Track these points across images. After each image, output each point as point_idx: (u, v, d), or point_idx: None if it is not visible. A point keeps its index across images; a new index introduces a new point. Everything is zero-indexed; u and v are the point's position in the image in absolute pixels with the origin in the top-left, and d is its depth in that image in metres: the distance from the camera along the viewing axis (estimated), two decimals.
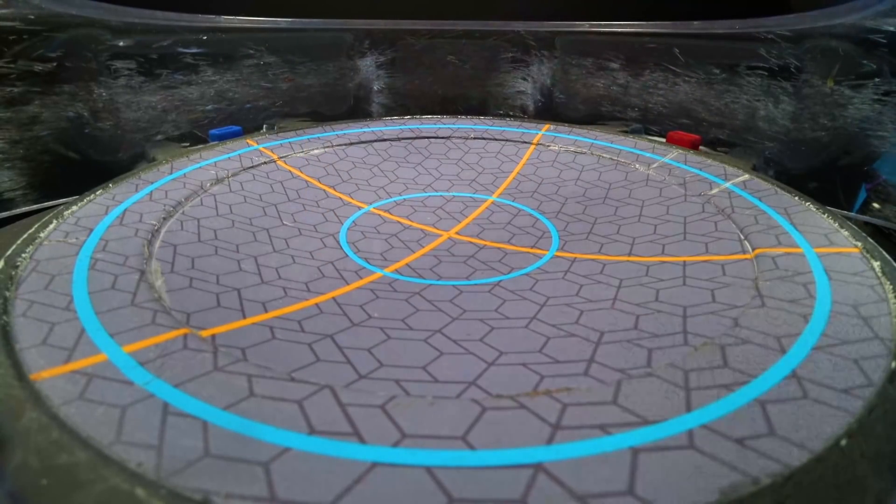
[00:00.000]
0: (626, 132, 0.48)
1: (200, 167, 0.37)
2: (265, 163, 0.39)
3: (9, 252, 0.25)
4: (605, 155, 0.41)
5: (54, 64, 0.43)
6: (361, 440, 0.15)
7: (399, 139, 0.46)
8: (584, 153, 0.42)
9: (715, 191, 0.34)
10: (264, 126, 0.51)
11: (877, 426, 0.16)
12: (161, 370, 0.18)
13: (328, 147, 0.43)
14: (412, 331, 0.23)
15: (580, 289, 0.26)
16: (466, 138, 0.46)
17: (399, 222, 0.34)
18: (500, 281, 0.27)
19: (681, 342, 0.21)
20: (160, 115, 0.50)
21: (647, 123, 0.53)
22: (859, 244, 0.27)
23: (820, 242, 0.27)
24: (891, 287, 0.23)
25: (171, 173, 0.35)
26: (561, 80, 0.57)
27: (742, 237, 0.29)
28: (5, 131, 0.41)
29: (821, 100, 0.44)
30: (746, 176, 0.36)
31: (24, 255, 0.25)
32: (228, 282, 0.25)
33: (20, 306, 0.21)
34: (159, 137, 0.49)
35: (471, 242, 0.31)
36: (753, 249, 0.27)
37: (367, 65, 0.57)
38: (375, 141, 0.45)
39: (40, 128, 0.43)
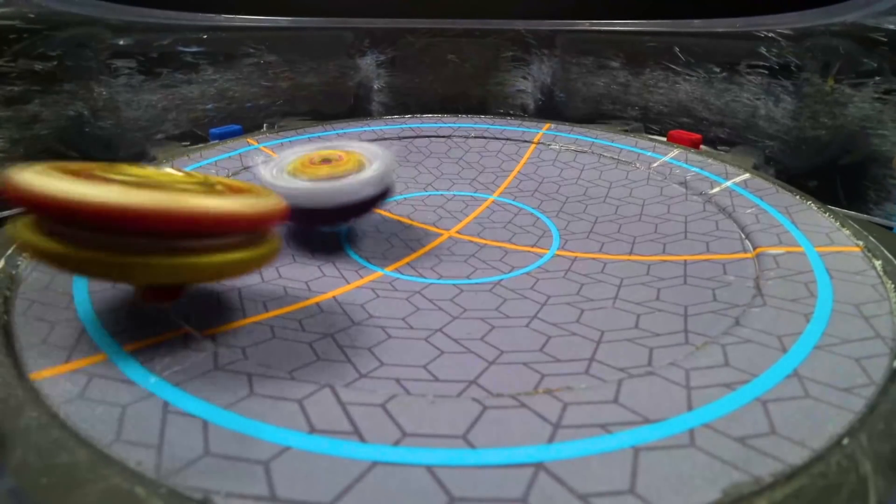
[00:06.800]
0: (626, 131, 0.48)
1: (201, 166, 0.36)
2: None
3: (9, 252, 0.25)
4: (605, 154, 0.41)
5: (55, 62, 0.43)
6: (362, 439, 0.15)
7: (399, 138, 0.46)
8: (585, 152, 0.42)
9: (716, 190, 0.34)
10: (265, 125, 0.51)
11: (878, 425, 0.16)
12: (161, 369, 0.18)
13: None
14: (413, 330, 0.22)
15: (581, 288, 0.26)
16: (467, 137, 0.46)
17: (400, 221, 0.34)
18: (501, 280, 0.27)
19: (682, 341, 0.21)
20: (160, 114, 0.50)
21: (648, 122, 0.53)
22: (861, 243, 0.26)
23: (821, 241, 0.27)
24: (892, 286, 0.23)
25: None
26: (561, 78, 0.56)
27: (743, 236, 0.29)
28: (6, 130, 0.41)
29: (821, 98, 0.44)
30: (747, 175, 0.36)
31: (24, 255, 0.25)
32: (229, 281, 0.25)
33: (21, 305, 0.21)
34: (160, 136, 0.49)
35: (471, 241, 0.31)
36: (755, 248, 0.27)
37: (368, 64, 0.57)
38: (376, 140, 0.45)
39: (41, 126, 0.43)
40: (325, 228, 0.31)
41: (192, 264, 0.17)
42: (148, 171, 0.18)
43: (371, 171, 0.27)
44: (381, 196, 0.28)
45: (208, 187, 0.18)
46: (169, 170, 0.19)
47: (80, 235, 0.16)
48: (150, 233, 0.16)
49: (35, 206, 0.16)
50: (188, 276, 0.18)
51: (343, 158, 0.28)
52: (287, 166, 0.27)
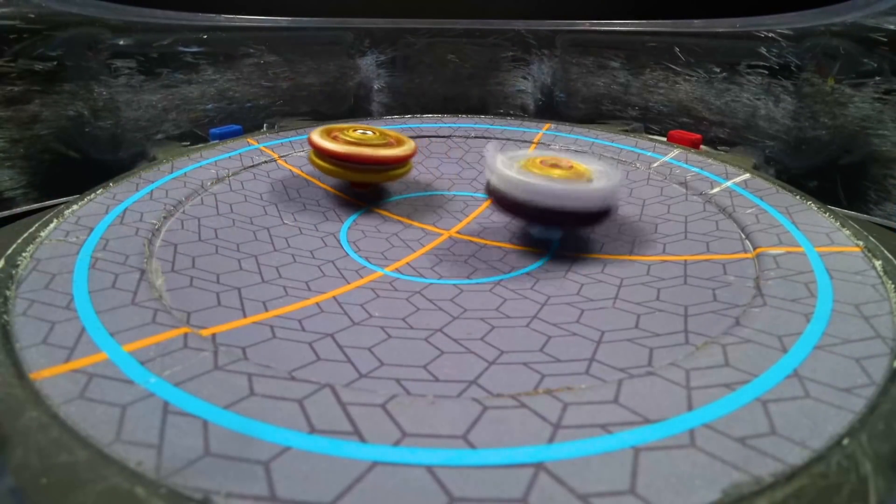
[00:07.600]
0: (626, 131, 0.48)
1: (201, 166, 0.36)
2: (266, 162, 0.39)
3: (9, 251, 0.25)
4: (605, 154, 0.41)
5: (55, 63, 0.43)
6: (362, 439, 0.15)
7: None
8: (585, 152, 0.42)
9: (716, 190, 0.34)
10: (265, 125, 0.51)
11: (878, 425, 0.16)
12: (161, 369, 0.18)
13: None
14: (413, 330, 0.22)
15: (581, 288, 0.26)
16: (467, 137, 0.46)
17: (400, 221, 0.34)
18: (501, 280, 0.27)
19: (682, 341, 0.21)
20: (160, 114, 0.50)
21: (648, 122, 0.53)
22: (861, 243, 0.26)
23: (821, 241, 0.27)
24: (892, 286, 0.23)
25: (171, 172, 0.35)
26: (561, 78, 0.56)
27: (743, 236, 0.29)
28: (6, 130, 0.41)
29: (821, 98, 0.44)
30: (747, 175, 0.36)
31: (24, 254, 0.25)
32: (229, 281, 0.25)
33: (20, 305, 0.21)
34: (160, 136, 0.49)
35: (471, 241, 0.31)
36: (755, 248, 0.27)
37: (368, 64, 0.57)
38: None
39: (41, 127, 0.43)
40: (536, 231, 0.30)
41: (376, 176, 0.34)
42: (359, 133, 0.34)
43: (602, 183, 0.26)
44: (605, 212, 0.27)
45: (385, 142, 0.34)
46: (369, 132, 0.34)
47: (330, 160, 0.33)
48: (355, 163, 0.33)
49: (312, 145, 0.33)
50: (375, 181, 0.35)
51: (573, 167, 0.28)
52: (518, 162, 0.28)
